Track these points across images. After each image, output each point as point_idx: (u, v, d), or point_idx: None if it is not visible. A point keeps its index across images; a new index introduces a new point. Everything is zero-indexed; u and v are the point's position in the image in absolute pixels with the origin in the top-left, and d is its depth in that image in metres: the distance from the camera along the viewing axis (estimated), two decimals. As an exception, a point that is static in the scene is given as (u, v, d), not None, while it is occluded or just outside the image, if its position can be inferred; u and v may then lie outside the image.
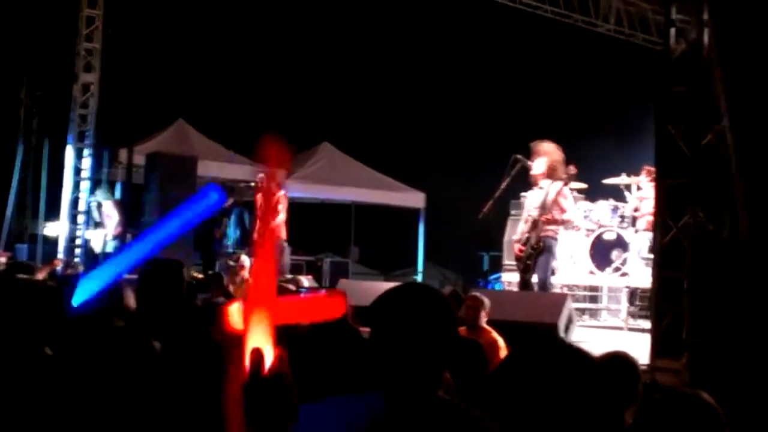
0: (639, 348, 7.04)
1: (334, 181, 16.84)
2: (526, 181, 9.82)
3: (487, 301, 6.50)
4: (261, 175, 12.53)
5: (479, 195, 10.55)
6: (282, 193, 12.38)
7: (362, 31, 18.13)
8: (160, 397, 3.03)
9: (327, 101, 18.81)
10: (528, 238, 8.82)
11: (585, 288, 11.82)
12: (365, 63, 18.28)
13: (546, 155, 8.91)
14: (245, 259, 9.53)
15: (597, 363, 3.55)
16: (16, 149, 15.47)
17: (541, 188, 8.90)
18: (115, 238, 13.67)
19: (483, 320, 6.39)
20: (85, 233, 14.54)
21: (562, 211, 8.88)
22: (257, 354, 1.68)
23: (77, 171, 14.33)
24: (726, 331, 6.03)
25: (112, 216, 13.71)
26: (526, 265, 8.87)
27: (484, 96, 18.35)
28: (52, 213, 15.19)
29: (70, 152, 14.28)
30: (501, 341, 6.18)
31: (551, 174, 8.83)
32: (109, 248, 13.83)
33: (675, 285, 6.55)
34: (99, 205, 14.16)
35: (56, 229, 14.94)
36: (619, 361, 3.79)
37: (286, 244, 12.60)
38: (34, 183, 15.54)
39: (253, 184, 14.21)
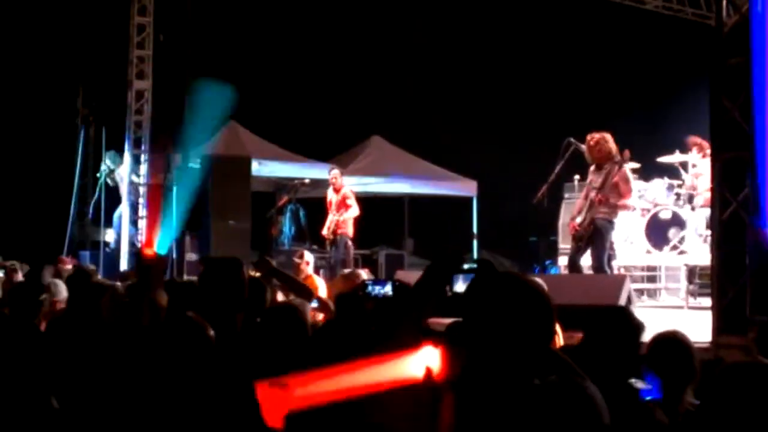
0: (700, 326, 7.00)
1: (386, 173, 16.91)
2: (579, 165, 9.79)
3: (542, 283, 6.53)
4: (335, 171, 12.75)
5: (531, 180, 10.55)
6: (348, 189, 12.60)
7: (408, 22, 18.17)
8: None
9: (375, 94, 18.88)
10: (583, 219, 8.82)
11: (643, 268, 11.74)
12: (410, 54, 18.30)
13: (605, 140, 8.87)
14: (308, 255, 9.46)
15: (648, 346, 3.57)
16: (75, 158, 15.83)
17: (603, 169, 8.87)
18: None
19: None
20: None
21: (621, 195, 8.84)
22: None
23: (134, 177, 14.60)
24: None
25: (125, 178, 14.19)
26: (577, 246, 8.86)
27: (532, 80, 18.26)
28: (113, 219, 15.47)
29: (127, 158, 14.56)
30: (557, 327, 6.20)
31: (612, 156, 8.81)
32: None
33: (736, 260, 6.48)
34: (111, 172, 14.55)
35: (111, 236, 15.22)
36: (669, 341, 3.82)
37: (349, 241, 12.77)
38: (94, 190, 15.85)
39: (307, 181, 14.42)
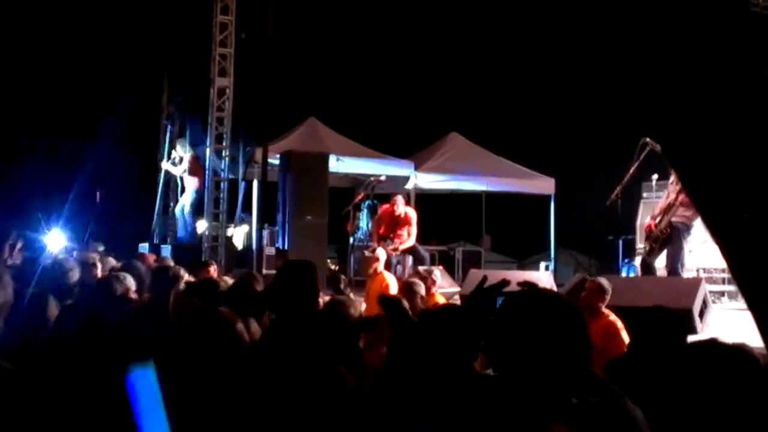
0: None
1: (464, 170, 16.90)
2: (655, 165, 9.64)
3: (606, 285, 6.45)
4: (399, 197, 12.45)
5: (611, 178, 10.44)
6: (405, 211, 12.07)
7: (486, 19, 18.12)
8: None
9: (454, 91, 18.90)
10: (660, 220, 8.71)
11: (722, 270, 11.49)
12: (490, 51, 18.25)
13: None
14: (381, 252, 9.43)
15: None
16: (160, 153, 16.27)
17: None
18: (196, 192, 14.42)
19: (602, 305, 6.39)
20: (227, 231, 15.10)
21: None
22: None
23: (215, 172, 14.90)
24: None
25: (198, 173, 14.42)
26: (651, 247, 8.75)
27: (612, 78, 17.98)
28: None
29: (209, 154, 14.88)
30: (620, 324, 6.17)
31: None
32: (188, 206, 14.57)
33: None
34: (181, 160, 14.80)
35: (200, 229, 15.54)
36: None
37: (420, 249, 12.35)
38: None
39: (383, 178, 14.49)
